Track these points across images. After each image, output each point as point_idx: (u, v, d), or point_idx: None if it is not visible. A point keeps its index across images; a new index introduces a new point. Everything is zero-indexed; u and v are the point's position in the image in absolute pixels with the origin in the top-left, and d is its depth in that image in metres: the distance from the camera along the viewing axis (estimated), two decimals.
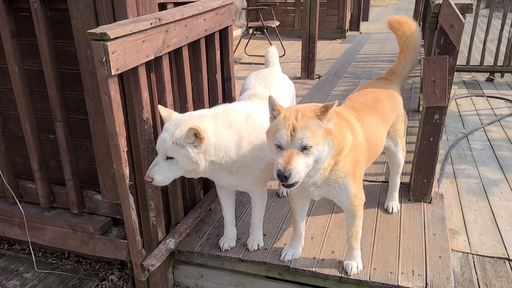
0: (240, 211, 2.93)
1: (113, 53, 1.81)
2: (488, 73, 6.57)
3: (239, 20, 7.49)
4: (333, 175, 2.03)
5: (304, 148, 1.81)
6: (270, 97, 1.91)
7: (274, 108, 1.91)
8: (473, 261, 2.75)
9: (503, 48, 6.30)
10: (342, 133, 1.96)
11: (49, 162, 2.73)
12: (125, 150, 2.02)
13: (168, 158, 2.04)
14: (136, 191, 2.32)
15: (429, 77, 2.53)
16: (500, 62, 6.36)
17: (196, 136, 1.99)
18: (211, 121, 2.14)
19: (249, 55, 7.92)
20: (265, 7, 7.63)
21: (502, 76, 6.53)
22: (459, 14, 2.35)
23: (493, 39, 6.96)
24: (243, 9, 7.59)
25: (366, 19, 12.27)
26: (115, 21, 2.06)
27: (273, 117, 1.94)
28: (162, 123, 2.33)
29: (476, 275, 2.63)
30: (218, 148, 2.11)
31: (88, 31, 1.79)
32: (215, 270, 2.60)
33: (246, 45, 8.14)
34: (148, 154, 2.20)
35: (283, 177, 1.80)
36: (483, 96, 5.89)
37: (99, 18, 2.12)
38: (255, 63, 7.27)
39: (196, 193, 2.75)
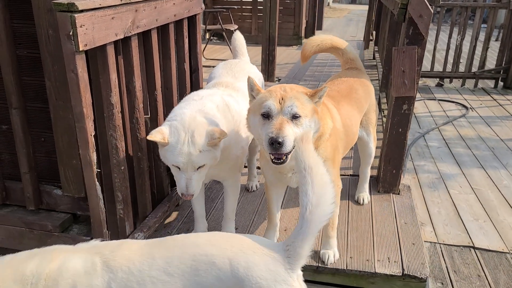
0: (210, 206, 2.82)
1: (81, 26, 1.68)
2: (438, 79, 6.91)
3: None
4: None
5: (294, 117, 1.75)
6: (249, 78, 1.87)
7: (253, 88, 1.88)
8: (441, 250, 2.80)
9: (450, 58, 6.65)
10: (324, 118, 1.93)
11: (1, 155, 2.50)
12: (93, 134, 1.88)
13: (199, 167, 1.95)
14: (101, 182, 2.16)
15: (398, 67, 2.57)
16: (448, 69, 6.72)
17: (212, 137, 1.93)
18: (211, 112, 2.08)
19: (207, 59, 7.83)
20: (224, 11, 7.58)
21: (450, 82, 6.92)
22: (428, 4, 2.41)
23: (439, 49, 7.35)
24: None
25: (320, 28, 12.55)
26: None
27: (252, 97, 1.90)
28: (132, 108, 2.21)
29: (445, 263, 2.67)
30: None
31: (54, 1, 1.65)
32: None
33: (204, 49, 8.04)
34: (117, 141, 2.05)
35: (277, 144, 1.68)
36: (434, 99, 6.15)
37: None
38: (213, 66, 7.18)
39: (165, 186, 2.62)
